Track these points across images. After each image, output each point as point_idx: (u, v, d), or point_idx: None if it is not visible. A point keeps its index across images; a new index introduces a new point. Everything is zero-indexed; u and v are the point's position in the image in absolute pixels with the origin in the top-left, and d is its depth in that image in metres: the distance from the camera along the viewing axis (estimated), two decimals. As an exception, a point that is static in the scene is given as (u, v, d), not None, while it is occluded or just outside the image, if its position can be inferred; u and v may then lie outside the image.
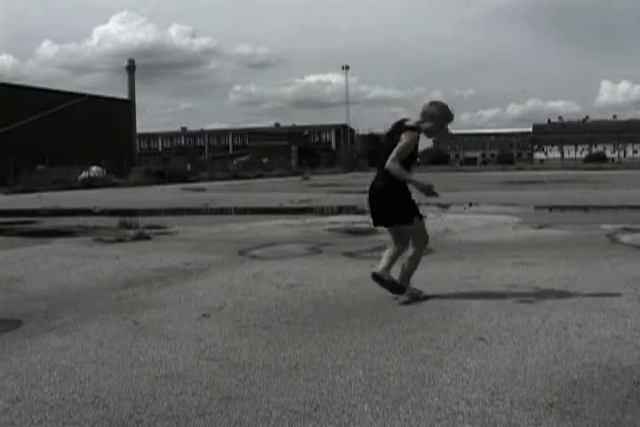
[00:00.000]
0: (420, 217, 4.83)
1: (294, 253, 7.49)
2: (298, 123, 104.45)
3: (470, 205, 14.78)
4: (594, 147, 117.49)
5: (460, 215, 12.47)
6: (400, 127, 4.73)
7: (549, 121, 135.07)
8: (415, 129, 4.68)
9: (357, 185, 22.11)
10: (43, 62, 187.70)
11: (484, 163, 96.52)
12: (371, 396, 2.89)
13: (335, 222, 11.22)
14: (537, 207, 14.60)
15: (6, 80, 48.44)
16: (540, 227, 9.75)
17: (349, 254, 7.19)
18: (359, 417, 2.66)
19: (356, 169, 60.47)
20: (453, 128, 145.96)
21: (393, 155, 4.58)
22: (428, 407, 2.75)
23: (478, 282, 5.44)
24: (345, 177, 43.56)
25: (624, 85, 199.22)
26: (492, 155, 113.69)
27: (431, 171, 47.50)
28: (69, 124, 43.15)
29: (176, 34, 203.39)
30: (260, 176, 46.57)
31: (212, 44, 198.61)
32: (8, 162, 33.26)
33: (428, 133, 4.82)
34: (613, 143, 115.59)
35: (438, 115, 4.75)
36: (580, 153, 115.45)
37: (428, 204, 14.51)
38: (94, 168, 37.82)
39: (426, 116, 4.73)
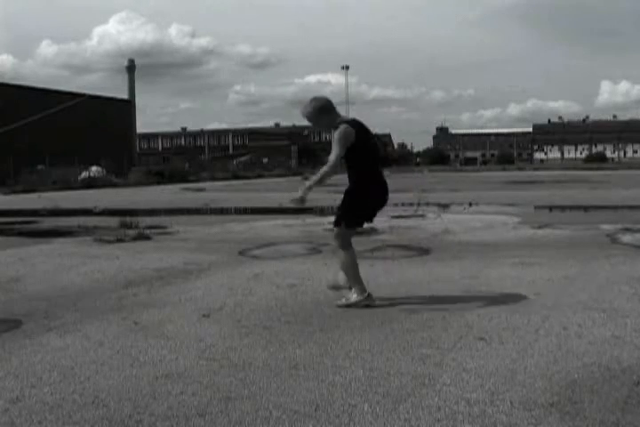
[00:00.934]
0: (352, 227, 4.75)
1: (294, 253, 7.48)
2: (298, 123, 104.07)
3: (470, 205, 14.74)
4: (594, 147, 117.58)
5: (460, 215, 12.45)
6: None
7: (549, 121, 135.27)
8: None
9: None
10: (42, 62, 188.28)
11: (484, 163, 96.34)
12: (371, 396, 2.89)
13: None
14: (537, 207, 14.57)
15: (6, 80, 48.57)
16: (540, 227, 9.73)
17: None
18: (359, 417, 2.66)
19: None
20: (454, 128, 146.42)
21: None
22: (427, 407, 2.75)
23: (478, 282, 5.44)
24: (345, 177, 43.39)
25: (624, 85, 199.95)
26: (492, 155, 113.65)
27: (431, 171, 47.59)
28: (69, 124, 43.12)
29: (176, 34, 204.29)
30: (259, 176, 46.52)
31: (211, 44, 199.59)
32: (8, 162, 33.30)
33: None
34: (613, 143, 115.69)
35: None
36: (580, 153, 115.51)
37: (428, 204, 14.70)
38: (94, 168, 37.78)
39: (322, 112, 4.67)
